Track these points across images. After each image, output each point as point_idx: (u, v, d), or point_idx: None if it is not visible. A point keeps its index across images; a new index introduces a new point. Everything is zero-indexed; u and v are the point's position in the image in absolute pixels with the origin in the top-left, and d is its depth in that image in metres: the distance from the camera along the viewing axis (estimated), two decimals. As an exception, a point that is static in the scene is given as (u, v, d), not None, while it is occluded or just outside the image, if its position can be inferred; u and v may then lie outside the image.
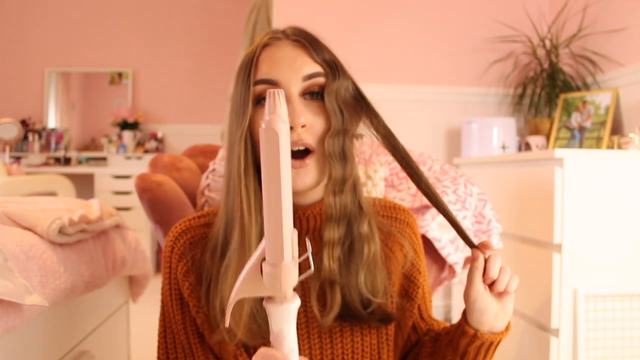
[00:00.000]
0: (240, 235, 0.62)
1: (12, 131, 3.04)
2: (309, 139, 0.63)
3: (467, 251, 1.32)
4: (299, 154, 0.64)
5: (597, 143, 2.03)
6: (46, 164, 3.96)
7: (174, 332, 0.72)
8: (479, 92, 2.52)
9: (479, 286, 0.64)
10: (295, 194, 0.67)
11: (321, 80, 0.65)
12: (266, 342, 0.68)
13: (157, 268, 3.65)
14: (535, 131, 2.32)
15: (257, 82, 0.64)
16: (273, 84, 0.63)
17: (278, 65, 0.64)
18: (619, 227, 1.52)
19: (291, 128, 0.61)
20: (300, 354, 0.69)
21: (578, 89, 2.29)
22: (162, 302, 0.73)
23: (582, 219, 1.50)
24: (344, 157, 0.65)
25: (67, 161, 4.00)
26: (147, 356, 1.46)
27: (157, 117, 4.25)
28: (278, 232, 0.46)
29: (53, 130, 4.14)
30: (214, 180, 1.31)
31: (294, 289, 0.49)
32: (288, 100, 0.63)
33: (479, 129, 2.27)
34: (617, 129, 2.05)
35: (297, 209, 0.69)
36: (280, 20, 2.42)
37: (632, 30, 2.03)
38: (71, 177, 3.30)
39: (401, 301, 0.76)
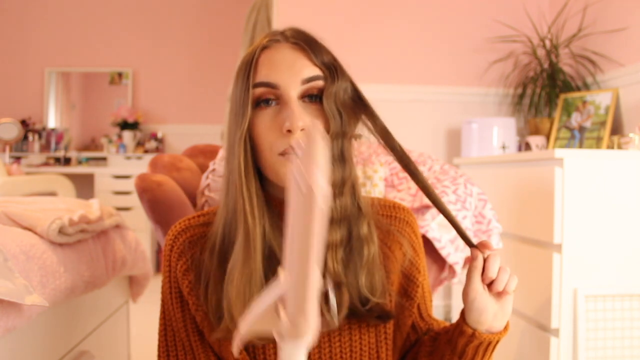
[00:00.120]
0: (245, 237, 0.63)
1: (12, 131, 3.04)
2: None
3: (467, 251, 1.32)
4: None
5: (597, 143, 2.03)
6: (46, 164, 3.96)
7: (174, 330, 0.72)
8: (479, 92, 2.52)
9: (478, 286, 0.64)
10: None
11: (320, 83, 0.65)
12: (274, 344, 0.68)
13: (157, 268, 3.65)
14: (535, 131, 2.32)
15: (256, 85, 0.64)
16: (272, 87, 0.64)
17: (277, 68, 0.64)
18: (619, 227, 1.52)
19: (290, 131, 0.62)
20: None
21: (578, 89, 2.29)
22: (162, 300, 0.74)
23: (582, 219, 1.50)
24: (343, 159, 0.65)
25: (67, 161, 4.00)
26: (147, 356, 1.46)
27: (157, 117, 4.25)
28: (303, 289, 0.44)
29: (53, 130, 4.14)
30: (214, 180, 1.31)
31: None
32: (287, 103, 0.63)
33: (479, 129, 2.27)
34: (617, 129, 2.05)
35: None
36: (280, 20, 2.42)
37: (632, 30, 2.03)
38: (71, 177, 3.30)
39: (400, 300, 0.76)
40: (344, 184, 0.66)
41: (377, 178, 1.47)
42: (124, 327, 1.67)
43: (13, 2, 4.13)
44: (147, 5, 4.21)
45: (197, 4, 4.23)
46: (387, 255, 0.74)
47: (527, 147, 2.25)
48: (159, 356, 0.74)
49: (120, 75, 4.24)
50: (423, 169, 1.50)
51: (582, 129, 2.12)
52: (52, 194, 2.54)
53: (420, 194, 1.36)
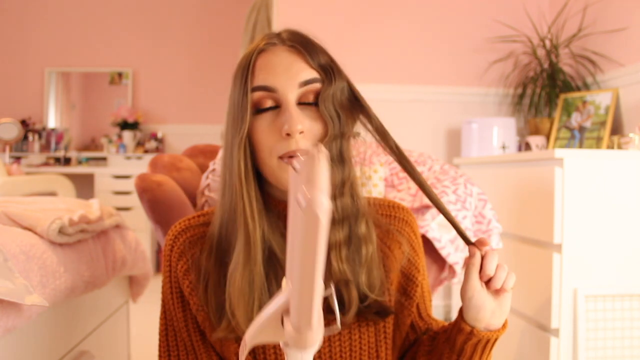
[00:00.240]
0: (245, 240, 0.64)
1: (12, 131, 3.04)
2: (307, 145, 0.64)
3: (467, 251, 1.32)
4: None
5: (597, 143, 2.03)
6: (46, 164, 3.96)
7: (176, 330, 0.73)
8: (479, 92, 2.52)
9: (476, 283, 0.64)
10: None
11: (317, 85, 0.65)
12: (275, 344, 0.68)
13: (157, 268, 3.65)
14: (535, 131, 2.32)
15: (254, 89, 0.65)
16: (270, 90, 0.64)
17: (274, 72, 0.64)
18: (619, 227, 1.52)
19: (289, 135, 0.62)
20: None
21: (578, 89, 2.29)
22: (163, 300, 0.74)
23: (582, 219, 1.50)
24: (342, 160, 0.66)
25: (67, 161, 4.00)
26: (147, 356, 1.47)
27: (157, 117, 4.25)
28: (308, 302, 0.44)
29: (53, 130, 4.14)
30: (214, 180, 1.31)
31: None
32: (285, 107, 0.64)
33: (479, 129, 2.27)
34: (617, 129, 2.05)
35: None
36: (280, 20, 2.42)
37: (632, 30, 2.03)
38: (71, 177, 3.30)
39: (400, 299, 0.76)
40: (343, 184, 0.66)
41: (377, 178, 1.47)
42: (124, 327, 1.67)
43: (13, 2, 4.13)
44: (147, 5, 4.21)
45: (197, 4, 4.23)
46: (387, 255, 0.75)
47: (527, 147, 2.25)
48: (160, 356, 0.74)
49: (120, 75, 4.24)
50: (423, 169, 1.50)
51: (582, 129, 2.12)
52: (52, 194, 2.54)
53: (420, 194, 1.36)
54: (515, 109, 2.51)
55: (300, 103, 0.65)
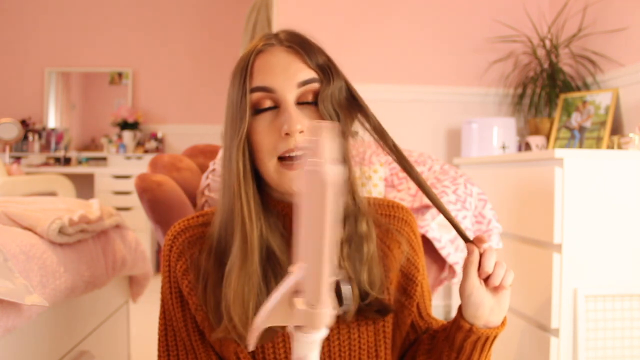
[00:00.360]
0: (242, 240, 0.64)
1: (12, 131, 3.04)
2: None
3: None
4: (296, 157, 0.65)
5: (597, 143, 2.03)
6: (46, 164, 3.96)
7: (175, 329, 0.73)
8: (479, 92, 2.52)
9: (474, 280, 0.64)
10: (292, 193, 0.68)
11: (316, 86, 0.66)
12: (274, 343, 0.69)
13: (157, 268, 3.65)
14: (535, 131, 2.32)
15: (253, 90, 0.65)
16: (269, 91, 0.65)
17: (273, 72, 0.65)
18: (619, 227, 1.52)
19: (288, 134, 0.63)
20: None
21: (578, 89, 2.29)
22: (162, 300, 0.74)
23: (582, 219, 1.50)
24: (342, 159, 0.66)
25: (67, 161, 4.00)
26: (147, 356, 1.46)
27: (157, 117, 4.25)
28: (319, 277, 0.46)
29: (53, 130, 4.14)
30: (214, 180, 1.31)
31: None
32: (284, 107, 0.64)
33: (479, 129, 2.27)
34: (617, 129, 2.05)
35: (294, 207, 0.69)
36: (280, 20, 2.42)
37: (632, 30, 2.03)
38: (71, 177, 3.30)
39: (400, 298, 0.77)
40: (344, 184, 0.67)
41: (377, 178, 1.47)
42: (124, 327, 1.67)
43: (13, 2, 4.13)
44: (147, 6, 4.21)
45: (197, 4, 4.23)
46: (386, 254, 0.75)
47: (527, 147, 2.25)
48: (159, 356, 0.74)
49: (120, 75, 4.24)
50: (423, 169, 1.50)
51: (582, 129, 2.12)
52: (52, 194, 2.54)
53: (420, 193, 1.36)
54: (515, 109, 2.51)
55: (299, 103, 0.66)
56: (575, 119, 2.16)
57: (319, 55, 0.67)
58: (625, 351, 1.51)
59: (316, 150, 0.43)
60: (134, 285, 1.66)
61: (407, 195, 1.41)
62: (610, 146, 1.92)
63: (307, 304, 0.47)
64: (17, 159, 3.82)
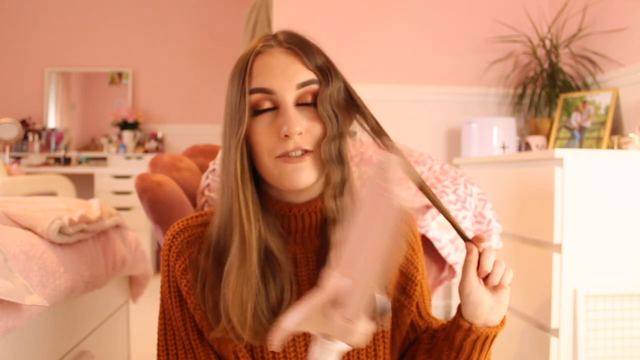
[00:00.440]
0: (241, 241, 0.64)
1: (12, 131, 3.04)
2: (306, 144, 0.65)
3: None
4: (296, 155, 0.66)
5: (597, 143, 2.03)
6: (46, 164, 3.96)
7: (174, 329, 0.73)
8: (479, 92, 2.52)
9: (473, 279, 0.65)
10: (292, 192, 0.69)
11: (315, 87, 0.66)
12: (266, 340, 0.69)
13: (157, 268, 3.65)
14: (535, 131, 2.32)
15: (252, 91, 0.65)
16: (268, 92, 0.65)
17: (272, 74, 0.65)
18: (619, 227, 1.52)
19: (287, 136, 0.63)
20: (295, 349, 0.70)
21: (578, 89, 2.29)
22: (162, 300, 0.75)
23: (582, 219, 1.50)
24: (341, 159, 0.66)
25: (67, 161, 4.00)
26: (147, 356, 1.46)
27: (157, 117, 4.25)
28: (363, 296, 0.46)
29: (53, 130, 4.14)
30: (214, 180, 1.31)
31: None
32: (283, 108, 0.64)
33: (479, 129, 2.27)
34: (617, 129, 2.05)
35: (292, 207, 0.70)
36: (280, 20, 2.42)
37: (632, 30, 2.03)
38: (71, 177, 3.30)
39: (399, 298, 0.77)
40: (343, 184, 0.67)
41: (377, 178, 1.46)
42: (124, 327, 1.67)
43: (13, 2, 4.13)
44: (147, 6, 4.21)
45: (197, 4, 4.23)
46: None
47: (527, 147, 2.25)
48: (158, 355, 0.74)
49: (120, 75, 4.24)
50: (423, 169, 1.50)
51: (582, 129, 2.12)
52: (52, 194, 2.54)
53: (421, 193, 1.36)
54: (515, 109, 2.51)
55: (298, 104, 0.66)
56: (575, 119, 2.16)
57: (318, 57, 0.68)
58: (625, 351, 1.51)
59: (387, 176, 0.44)
60: (134, 285, 1.66)
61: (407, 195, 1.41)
62: (610, 146, 1.92)
63: (345, 318, 0.47)
64: (17, 159, 3.82)
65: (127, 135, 4.02)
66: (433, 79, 2.51)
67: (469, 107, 2.52)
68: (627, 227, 1.53)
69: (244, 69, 0.66)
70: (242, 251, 0.64)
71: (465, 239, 0.67)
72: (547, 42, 2.36)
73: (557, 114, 2.24)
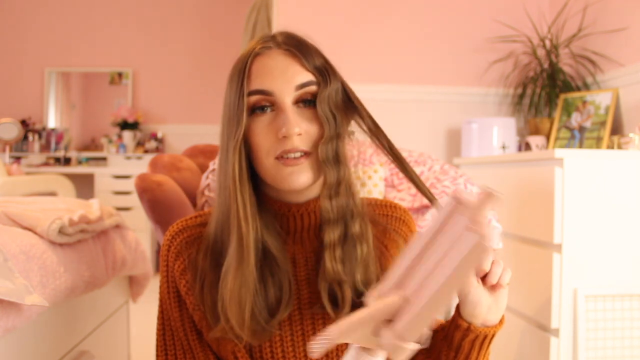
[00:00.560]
0: (238, 242, 0.65)
1: (12, 131, 3.04)
2: (304, 145, 0.65)
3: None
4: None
5: (597, 143, 2.03)
6: (46, 164, 3.96)
7: (173, 329, 0.73)
8: (479, 92, 2.52)
9: (472, 279, 0.64)
10: (291, 192, 0.69)
11: (313, 88, 0.67)
12: (271, 343, 0.69)
13: (157, 268, 3.65)
14: (535, 131, 2.32)
15: (251, 93, 0.66)
16: (267, 94, 0.65)
17: (271, 75, 0.66)
18: (619, 227, 1.52)
19: (285, 137, 0.64)
20: (294, 349, 0.71)
21: (578, 89, 2.29)
22: (160, 300, 0.75)
23: (582, 219, 1.50)
24: (338, 160, 0.67)
25: (67, 161, 4.00)
26: (147, 356, 1.46)
27: (157, 117, 4.25)
28: (424, 321, 0.47)
29: (53, 130, 4.14)
30: (214, 180, 1.31)
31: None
32: (282, 109, 0.65)
33: (479, 129, 2.27)
34: (617, 129, 2.05)
35: (292, 206, 0.71)
36: (280, 20, 2.42)
37: (632, 30, 2.03)
38: (71, 177, 3.30)
39: None
40: (339, 185, 0.67)
41: (377, 178, 1.47)
42: (124, 327, 1.67)
43: (13, 2, 4.13)
44: (147, 6, 4.21)
45: (197, 4, 4.23)
46: (383, 253, 0.76)
47: (527, 147, 2.25)
48: (157, 355, 0.74)
49: (120, 75, 4.24)
50: (423, 169, 1.50)
51: (582, 129, 2.12)
52: (52, 194, 2.54)
53: (421, 194, 1.36)
54: (515, 109, 2.50)
55: (297, 105, 0.67)
56: (575, 119, 2.16)
57: (317, 58, 0.68)
58: (625, 351, 1.51)
59: (479, 213, 0.46)
60: (134, 285, 1.67)
61: (407, 195, 1.41)
62: (610, 146, 1.92)
63: (398, 337, 0.47)
64: (17, 159, 3.82)
65: (127, 135, 4.02)
66: (433, 79, 2.51)
67: (469, 107, 2.52)
68: (627, 227, 1.53)
69: (242, 71, 0.67)
70: (239, 252, 0.64)
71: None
72: (547, 42, 2.36)
73: (557, 114, 2.24)
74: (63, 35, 4.17)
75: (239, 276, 0.64)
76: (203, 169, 1.52)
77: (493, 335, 0.68)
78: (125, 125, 4.02)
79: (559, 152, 1.50)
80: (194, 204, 1.39)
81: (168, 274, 0.73)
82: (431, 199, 0.67)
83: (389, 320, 0.49)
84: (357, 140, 0.71)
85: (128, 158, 3.95)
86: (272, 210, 0.71)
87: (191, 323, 0.72)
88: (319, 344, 0.50)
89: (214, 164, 1.35)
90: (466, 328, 0.67)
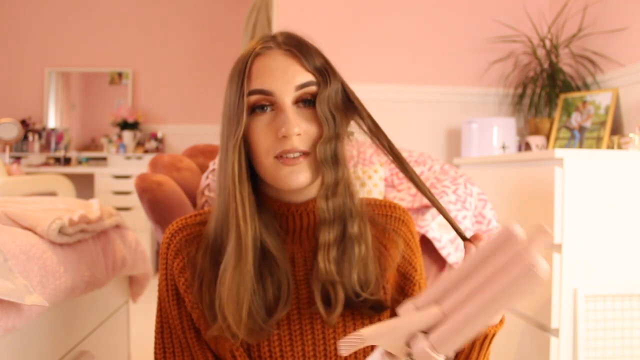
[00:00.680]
0: (237, 241, 0.65)
1: (12, 131, 3.04)
2: (303, 145, 0.66)
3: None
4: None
5: (597, 143, 2.03)
6: (46, 164, 3.96)
7: (171, 327, 0.73)
8: (479, 92, 2.52)
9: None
10: (290, 191, 0.69)
11: (313, 88, 0.67)
12: (269, 342, 0.69)
13: (157, 268, 3.65)
14: (535, 131, 2.32)
15: (251, 93, 0.66)
16: (267, 94, 0.66)
17: (271, 75, 0.66)
18: (619, 227, 1.52)
19: (285, 137, 0.64)
20: (292, 349, 0.71)
21: (578, 89, 2.29)
22: (159, 298, 0.75)
23: (582, 219, 1.50)
24: (336, 161, 0.67)
25: (67, 161, 4.00)
26: (147, 356, 1.46)
27: (157, 117, 4.25)
28: (461, 336, 0.48)
29: (53, 130, 4.14)
30: (214, 180, 1.31)
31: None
32: (282, 109, 0.65)
33: (479, 129, 2.27)
34: (617, 129, 2.05)
35: (290, 206, 0.71)
36: (280, 20, 2.42)
37: (632, 30, 2.03)
38: (71, 177, 3.30)
39: (398, 298, 0.77)
40: (337, 185, 0.67)
41: (377, 178, 1.47)
42: (124, 327, 1.67)
43: (13, 2, 4.13)
44: (147, 6, 4.21)
45: (197, 4, 4.23)
46: (382, 253, 0.76)
47: (527, 147, 2.25)
48: (155, 353, 0.75)
49: (120, 75, 4.24)
50: (423, 169, 1.50)
51: (582, 129, 2.12)
52: (52, 194, 2.54)
53: (421, 194, 1.36)
54: (515, 109, 2.50)
55: (297, 105, 0.67)
56: (575, 119, 2.16)
57: (317, 58, 0.68)
58: (625, 351, 1.51)
59: (531, 245, 0.48)
60: (134, 285, 1.67)
61: (407, 195, 1.42)
62: (610, 146, 1.92)
63: (432, 347, 0.49)
64: (17, 159, 3.82)
65: (127, 135, 4.02)
66: (433, 79, 2.51)
67: (469, 107, 2.52)
68: (627, 227, 1.53)
69: (242, 71, 0.67)
70: (238, 250, 0.65)
71: (463, 238, 0.67)
72: (547, 42, 2.36)
73: (557, 114, 2.24)
74: (63, 35, 4.17)
75: (236, 275, 0.64)
76: (203, 169, 1.52)
77: (493, 335, 0.68)
78: (125, 125, 4.03)
79: (559, 152, 1.50)
80: (194, 204, 1.39)
81: (167, 272, 0.73)
82: (431, 199, 0.67)
83: (424, 332, 0.50)
84: (357, 141, 0.72)
85: (128, 158, 3.95)
86: (271, 209, 0.71)
87: (189, 321, 0.72)
88: (349, 343, 0.51)
89: (214, 164, 1.35)
90: None
